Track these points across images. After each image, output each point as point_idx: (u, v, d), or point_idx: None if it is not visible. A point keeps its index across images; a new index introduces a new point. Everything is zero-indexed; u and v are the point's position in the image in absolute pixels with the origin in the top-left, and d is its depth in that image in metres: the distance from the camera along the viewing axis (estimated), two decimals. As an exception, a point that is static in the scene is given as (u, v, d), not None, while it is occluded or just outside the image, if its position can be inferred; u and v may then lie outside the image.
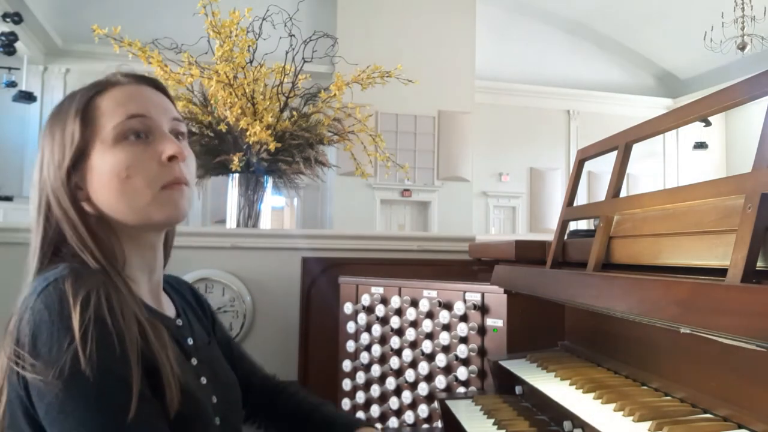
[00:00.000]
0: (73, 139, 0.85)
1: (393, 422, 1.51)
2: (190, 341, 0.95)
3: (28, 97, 8.89)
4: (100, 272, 0.80)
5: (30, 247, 0.86)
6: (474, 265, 1.83)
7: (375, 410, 1.55)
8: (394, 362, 1.51)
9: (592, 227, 1.18)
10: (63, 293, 0.73)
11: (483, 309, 1.36)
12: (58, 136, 0.86)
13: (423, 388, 1.43)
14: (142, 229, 0.89)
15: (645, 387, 0.94)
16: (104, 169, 0.84)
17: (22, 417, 0.73)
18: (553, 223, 1.41)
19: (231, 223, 2.31)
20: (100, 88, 0.88)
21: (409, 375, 1.46)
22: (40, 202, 0.86)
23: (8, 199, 8.10)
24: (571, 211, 1.22)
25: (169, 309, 0.97)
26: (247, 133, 2.17)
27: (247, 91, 2.23)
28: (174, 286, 1.05)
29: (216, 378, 0.96)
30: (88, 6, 9.02)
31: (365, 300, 1.59)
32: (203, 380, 0.92)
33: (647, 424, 0.76)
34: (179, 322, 0.96)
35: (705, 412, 0.80)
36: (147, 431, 0.73)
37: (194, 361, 0.92)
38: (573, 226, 1.30)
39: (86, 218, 0.85)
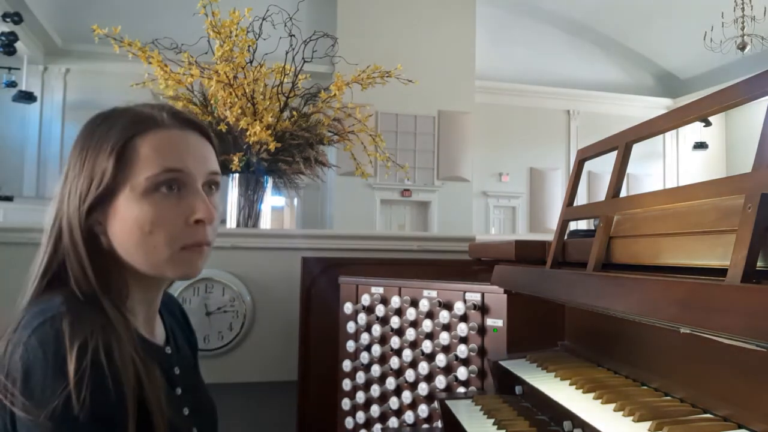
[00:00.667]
0: (103, 178, 0.81)
1: (393, 422, 1.51)
2: (177, 370, 0.94)
3: (28, 97, 8.89)
4: (98, 310, 0.78)
5: (33, 263, 0.84)
6: (474, 265, 1.83)
7: (375, 410, 1.54)
8: (394, 362, 1.51)
9: (592, 227, 1.18)
10: (59, 333, 0.71)
11: (483, 309, 1.36)
12: (88, 165, 0.82)
13: (423, 388, 1.43)
14: (152, 279, 0.87)
15: (645, 387, 0.94)
16: (128, 217, 0.82)
17: None
18: (553, 223, 1.41)
19: (231, 223, 2.31)
20: (141, 127, 0.84)
21: (409, 375, 1.46)
22: (54, 225, 0.84)
23: (8, 199, 8.10)
24: (571, 211, 1.22)
25: (159, 333, 0.96)
26: (247, 133, 2.17)
27: (247, 91, 2.23)
28: (166, 305, 1.03)
29: (198, 406, 0.95)
30: (88, 6, 9.01)
31: (365, 300, 1.59)
32: (185, 411, 0.91)
33: (647, 424, 0.76)
34: (168, 350, 0.95)
35: (705, 412, 0.80)
36: None
37: (178, 391, 0.91)
38: (573, 226, 1.30)
39: (96, 252, 0.83)
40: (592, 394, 0.92)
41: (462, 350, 1.37)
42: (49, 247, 0.83)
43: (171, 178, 0.83)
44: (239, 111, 2.20)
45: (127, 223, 0.82)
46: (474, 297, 1.38)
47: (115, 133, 0.83)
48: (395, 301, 1.52)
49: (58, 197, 0.85)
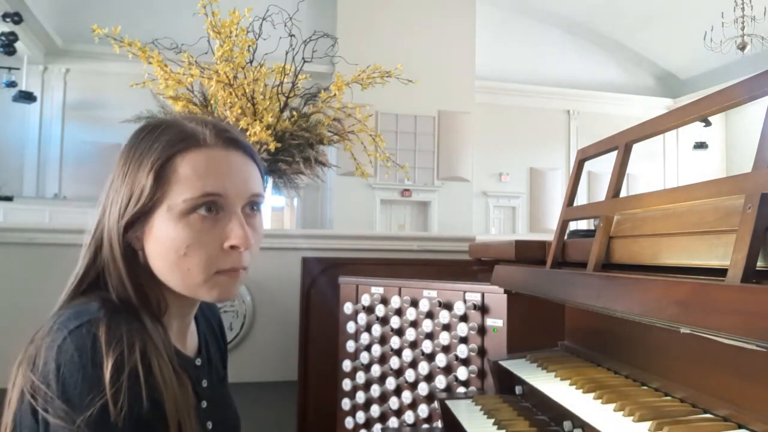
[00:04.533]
0: (141, 195, 0.80)
1: (393, 422, 1.51)
2: (205, 383, 0.93)
3: (28, 97, 8.89)
4: (135, 319, 0.77)
5: (76, 266, 0.83)
6: (474, 265, 1.83)
7: (375, 410, 1.54)
8: (394, 362, 1.51)
9: (592, 227, 1.18)
10: (96, 338, 0.70)
11: (483, 309, 1.36)
12: (129, 179, 0.81)
13: (423, 388, 1.43)
14: (188, 297, 0.86)
15: (645, 387, 0.94)
16: (164, 238, 0.80)
17: None
18: (553, 223, 1.41)
19: (231, 223, 2.30)
20: (183, 146, 0.81)
21: (409, 375, 1.46)
22: (95, 234, 0.84)
23: (8, 199, 8.10)
24: (571, 211, 1.22)
25: (191, 344, 0.95)
26: (247, 133, 2.17)
27: (247, 91, 2.23)
28: (204, 313, 1.02)
29: (222, 422, 0.94)
30: (88, 6, 9.02)
31: (365, 300, 1.59)
32: (209, 425, 0.90)
33: (647, 424, 0.76)
34: (198, 361, 0.94)
35: (705, 412, 0.80)
36: None
37: (204, 404, 0.91)
38: (573, 226, 1.30)
39: (134, 267, 0.82)
40: (592, 394, 0.92)
41: (462, 350, 1.37)
42: (89, 254, 0.83)
43: (209, 201, 0.81)
44: (239, 111, 2.20)
45: (163, 244, 0.81)
46: (474, 297, 1.38)
47: (157, 149, 0.81)
48: (395, 301, 1.52)
49: (101, 205, 0.84)
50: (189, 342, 0.94)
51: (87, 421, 0.67)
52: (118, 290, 0.80)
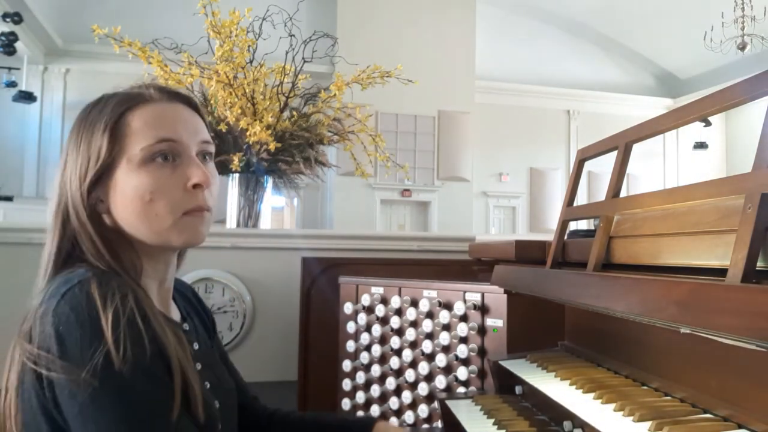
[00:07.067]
0: (99, 154, 0.83)
1: (393, 422, 1.51)
2: (196, 346, 0.95)
3: (28, 97, 8.89)
4: (120, 279, 0.79)
5: (45, 248, 0.85)
6: (474, 265, 1.83)
7: (375, 410, 1.54)
8: (394, 362, 1.51)
9: (592, 227, 1.18)
10: (89, 295, 0.72)
11: (483, 309, 1.36)
12: (84, 146, 0.85)
13: (423, 388, 1.43)
14: (159, 249, 0.88)
15: (645, 387, 0.94)
16: (128, 189, 0.83)
17: (42, 417, 0.73)
18: (553, 223, 1.41)
19: (231, 223, 2.31)
20: (131, 103, 0.86)
21: (409, 375, 1.46)
22: (59, 207, 0.86)
23: (8, 199, 8.10)
24: (571, 211, 1.22)
25: (175, 314, 0.97)
26: (247, 133, 2.17)
27: (247, 91, 2.23)
28: (178, 289, 1.05)
29: (218, 383, 0.96)
30: (88, 6, 9.01)
31: (365, 300, 1.59)
32: (207, 385, 0.92)
33: (647, 424, 0.76)
34: (186, 326, 0.96)
35: (705, 412, 0.80)
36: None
37: (198, 366, 0.92)
38: (573, 226, 1.30)
39: (103, 231, 0.84)
40: (592, 394, 0.92)
41: (462, 350, 1.37)
42: (57, 229, 0.85)
43: (165, 147, 0.85)
44: (239, 111, 2.20)
45: (127, 195, 0.84)
46: (474, 297, 1.38)
47: (107, 112, 0.85)
48: (395, 301, 1.52)
49: (59, 183, 0.87)
50: (172, 312, 0.96)
51: (93, 372, 0.68)
52: (93, 255, 0.82)
